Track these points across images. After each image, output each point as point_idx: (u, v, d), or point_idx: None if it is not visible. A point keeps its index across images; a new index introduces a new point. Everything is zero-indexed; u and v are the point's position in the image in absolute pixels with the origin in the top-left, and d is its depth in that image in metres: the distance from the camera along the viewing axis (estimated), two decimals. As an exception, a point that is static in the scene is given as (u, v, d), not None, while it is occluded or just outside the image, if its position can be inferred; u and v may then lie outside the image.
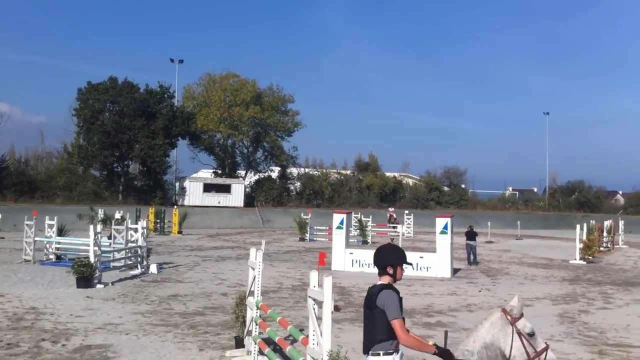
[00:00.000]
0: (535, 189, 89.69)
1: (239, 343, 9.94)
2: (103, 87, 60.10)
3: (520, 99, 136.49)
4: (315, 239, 38.42)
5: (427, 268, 21.47)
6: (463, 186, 78.34)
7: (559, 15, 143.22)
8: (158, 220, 41.79)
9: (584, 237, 28.21)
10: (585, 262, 27.21)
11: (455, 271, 22.08)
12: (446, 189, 75.58)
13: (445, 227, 21.63)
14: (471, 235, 25.63)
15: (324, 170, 71.70)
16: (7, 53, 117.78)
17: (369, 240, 37.10)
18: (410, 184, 76.15)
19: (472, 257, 25.44)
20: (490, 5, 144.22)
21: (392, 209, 47.95)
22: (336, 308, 13.12)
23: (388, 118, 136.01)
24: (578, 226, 28.43)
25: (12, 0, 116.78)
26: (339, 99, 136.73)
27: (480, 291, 18.01)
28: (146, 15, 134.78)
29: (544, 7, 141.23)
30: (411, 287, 18.33)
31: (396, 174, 76.40)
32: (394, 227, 37.54)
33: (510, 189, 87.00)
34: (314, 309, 6.85)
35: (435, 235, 22.71)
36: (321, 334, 6.45)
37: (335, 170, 74.19)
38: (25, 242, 23.04)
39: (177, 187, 63.80)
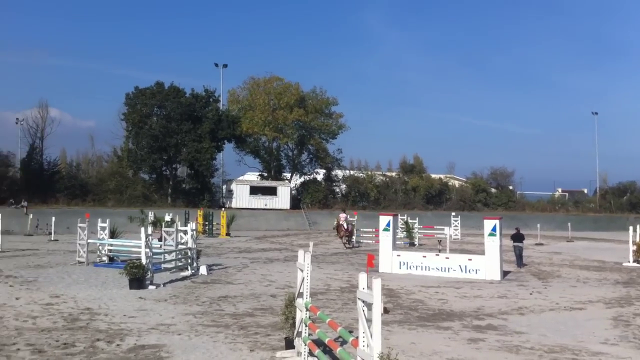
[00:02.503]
0: (585, 190, 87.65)
1: (289, 344, 10.03)
2: (150, 91, 61.24)
3: (568, 99, 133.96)
4: (362, 241, 38.35)
5: (476, 270, 21.26)
6: (511, 187, 77.11)
7: (605, 13, 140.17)
8: (206, 223, 42.39)
9: (637, 239, 27.51)
10: (639, 265, 26.54)
11: (505, 274, 21.80)
12: (493, 190, 74.50)
13: (494, 229, 21.36)
14: (518, 237, 25.28)
15: (369, 172, 71.46)
16: (56, 59, 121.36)
17: (416, 242, 36.90)
18: (457, 186, 75.34)
19: (519, 259, 25.09)
20: (534, 4, 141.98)
21: (344, 215, 35.77)
22: (385, 310, 13.09)
23: (432, 119, 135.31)
24: (631, 228, 27.71)
25: (62, 7, 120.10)
26: (382, 101, 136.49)
27: (531, 294, 17.74)
28: (191, 21, 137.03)
29: (590, 5, 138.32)
30: (460, 290, 18.19)
31: (442, 176, 75.72)
32: (347, 238, 33.84)
33: (560, 190, 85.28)
34: (363, 310, 6.90)
35: (483, 238, 22.47)
36: (371, 336, 6.50)
37: (381, 172, 73.99)
38: (79, 244, 23.61)
39: (224, 190, 64.42)
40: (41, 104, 63.95)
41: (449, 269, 21.74)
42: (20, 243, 33.56)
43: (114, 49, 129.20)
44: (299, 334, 9.50)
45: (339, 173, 70.77)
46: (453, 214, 47.46)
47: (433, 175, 74.01)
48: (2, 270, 21.13)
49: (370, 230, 38.14)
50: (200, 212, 44.29)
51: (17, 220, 43.05)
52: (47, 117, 63.01)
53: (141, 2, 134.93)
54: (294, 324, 9.86)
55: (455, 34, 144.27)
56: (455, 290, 18.19)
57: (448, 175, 77.89)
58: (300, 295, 9.54)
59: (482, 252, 22.18)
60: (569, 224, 48.61)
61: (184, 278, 19.73)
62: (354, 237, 35.33)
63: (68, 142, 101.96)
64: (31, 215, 43.41)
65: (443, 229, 36.78)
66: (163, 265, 20.57)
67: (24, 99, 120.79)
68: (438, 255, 22.95)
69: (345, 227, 32.72)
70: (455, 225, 44.96)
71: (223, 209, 50.68)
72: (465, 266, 21.48)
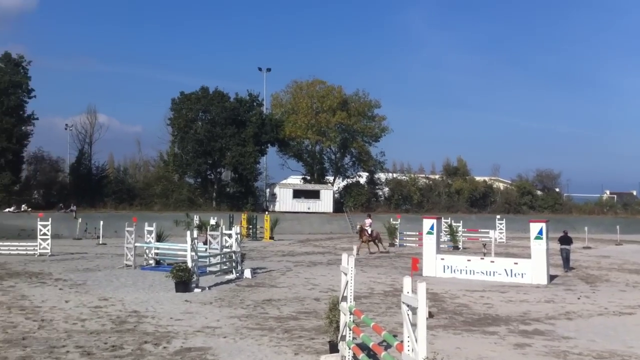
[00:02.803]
0: (635, 192, 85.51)
1: (333, 348, 10.04)
2: (195, 96, 62.10)
3: (615, 100, 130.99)
4: (405, 244, 38.18)
5: (522, 274, 20.95)
6: (557, 190, 75.74)
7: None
8: (250, 226, 42.72)
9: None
10: (692, 269, 25.78)
11: (551, 278, 21.43)
12: (539, 193, 73.27)
13: (540, 232, 21.00)
14: (565, 240, 24.82)
15: (412, 175, 71.12)
16: (105, 66, 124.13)
17: (460, 246, 36.55)
18: (501, 188, 74.40)
19: (566, 262, 24.64)
20: (581, 3, 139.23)
21: (369, 220, 33.46)
22: (429, 314, 13.04)
23: (476, 121, 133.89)
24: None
25: (110, 15, 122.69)
26: (425, 103, 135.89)
27: (579, 298, 17.40)
28: (235, 26, 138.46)
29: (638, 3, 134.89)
30: (506, 294, 17.95)
31: (486, 178, 74.84)
32: (374, 242, 32.57)
33: (608, 192, 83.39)
34: (408, 314, 6.88)
35: (528, 241, 22.13)
36: (416, 340, 6.47)
37: (424, 175, 73.56)
38: (126, 247, 24.06)
39: (268, 194, 64.94)
40: (90, 109, 65.68)
41: (494, 272, 21.47)
42: (70, 247, 34.40)
43: (161, 55, 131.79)
44: (343, 337, 9.52)
45: (382, 176, 70.56)
46: (498, 217, 46.82)
47: (477, 178, 73.19)
48: (52, 273, 21.71)
49: (414, 233, 37.96)
50: (244, 216, 44.68)
51: (66, 224, 44.12)
52: (95, 123, 64.65)
53: (186, 9, 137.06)
54: (338, 327, 9.88)
55: (502, 33, 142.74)
56: (501, 294, 17.96)
57: (492, 178, 76.97)
58: (344, 298, 9.55)
59: (528, 256, 21.84)
60: (618, 226, 47.44)
61: (229, 281, 19.94)
62: (386, 243, 35.13)
63: (115, 147, 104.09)
64: (80, 220, 44.45)
65: (488, 232, 36.32)
66: (208, 269, 20.81)
67: (73, 105, 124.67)
68: (483, 259, 22.70)
69: (369, 232, 32.19)
70: (500, 229, 44.34)
71: (266, 212, 51.03)
72: (511, 270, 21.19)
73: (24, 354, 10.20)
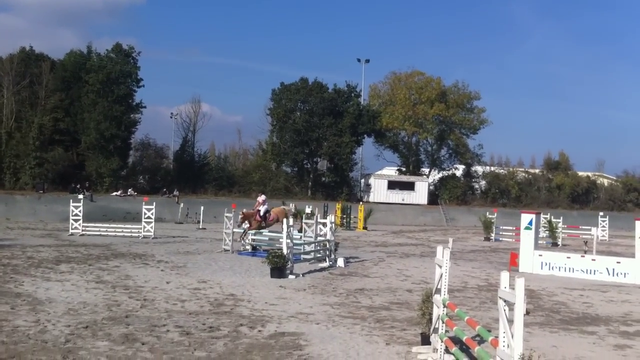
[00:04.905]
0: None
1: (425, 340, 10.03)
2: (294, 87, 62.92)
3: None
4: (501, 239, 37.35)
5: (625, 274, 20.08)
6: (667, 187, 71.71)
7: None
8: (344, 216, 43.02)
9: None
10: None
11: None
12: (646, 189, 69.69)
13: (646, 230, 20.07)
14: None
15: (511, 169, 69.41)
16: (208, 57, 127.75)
17: (559, 243, 35.38)
18: (605, 185, 71.27)
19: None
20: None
21: (263, 197, 26.45)
22: (525, 311, 12.75)
23: (580, 114, 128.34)
24: None
25: (212, 7, 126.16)
26: (526, 94, 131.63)
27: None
28: (334, 17, 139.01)
29: None
30: (607, 294, 17.28)
31: (589, 174, 71.92)
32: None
33: None
34: (504, 310, 6.80)
35: (633, 240, 21.16)
36: (512, 336, 6.39)
37: (523, 169, 71.66)
38: (225, 233, 24.79)
39: (362, 184, 65.11)
40: (194, 99, 67.72)
41: (594, 271, 20.68)
42: (172, 230, 35.83)
43: (262, 47, 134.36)
44: (436, 330, 9.48)
45: (479, 169, 69.20)
46: (601, 213, 44.86)
47: (580, 173, 70.48)
48: (154, 255, 22.69)
49: (510, 228, 37.09)
50: (338, 206, 45.00)
51: (169, 208, 46.02)
52: (199, 112, 66.50)
53: (285, 2, 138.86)
54: (430, 320, 9.85)
55: (612, 22, 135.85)
56: (601, 293, 17.30)
57: (596, 173, 73.91)
58: (438, 291, 9.51)
59: (632, 255, 20.92)
60: None
61: (322, 269, 20.20)
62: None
63: (217, 136, 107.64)
64: (182, 205, 46.11)
65: (589, 230, 34.97)
66: (302, 256, 21.16)
67: (178, 94, 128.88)
68: (583, 256, 21.89)
69: (262, 214, 24.76)
70: (603, 226, 42.57)
71: (361, 202, 51.14)
72: (613, 269, 20.34)
73: (126, 331, 10.70)
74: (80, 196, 34.12)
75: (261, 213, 24.69)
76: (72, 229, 30.50)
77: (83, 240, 27.69)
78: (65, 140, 54.90)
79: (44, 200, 46.38)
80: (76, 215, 30.62)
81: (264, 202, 25.44)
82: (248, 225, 24.62)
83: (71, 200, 31.54)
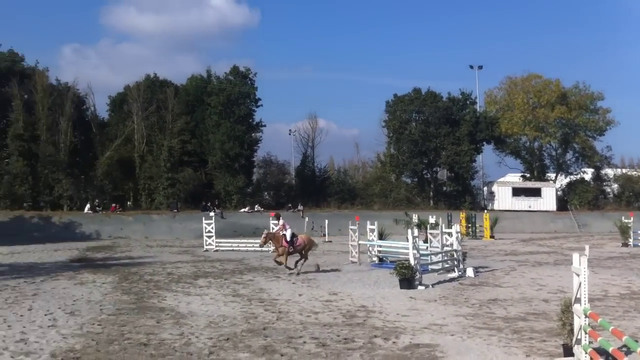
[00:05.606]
0: None
1: (568, 351, 9.71)
2: (408, 98, 63.06)
3: None
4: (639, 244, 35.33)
5: None
6: None
7: None
8: (469, 225, 42.37)
9: None
10: None
11: None
12: None
13: None
14: None
15: (645, 170, 65.67)
16: (321, 73, 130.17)
17: None
18: None
19: None
20: None
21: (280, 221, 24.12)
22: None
23: None
24: None
25: (320, 25, 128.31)
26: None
27: None
28: (443, 27, 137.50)
29: None
30: None
31: None
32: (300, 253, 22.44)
33: None
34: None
35: None
36: (666, 347, 6.13)
37: (658, 170, 67.53)
38: (351, 245, 25.14)
39: (485, 192, 63.88)
40: (310, 115, 69.25)
41: None
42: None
43: (372, 60, 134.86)
44: (578, 341, 9.17)
45: (609, 172, 66.04)
46: None
47: None
48: (285, 269, 23.21)
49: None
50: (462, 215, 44.39)
51: (294, 222, 46.67)
52: (316, 127, 67.85)
53: (393, 12, 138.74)
54: (571, 330, 9.53)
55: None
56: None
57: None
58: (578, 300, 9.20)
59: None
60: None
61: (452, 279, 19.95)
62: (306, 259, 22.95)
63: (335, 150, 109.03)
64: (307, 218, 47.03)
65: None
66: (430, 267, 21.02)
67: (295, 111, 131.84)
68: None
69: (289, 239, 22.05)
70: None
71: (485, 211, 50.11)
72: None
73: (265, 343, 11.00)
74: (212, 214, 35.71)
75: (287, 238, 21.89)
76: (206, 245, 31.95)
77: (217, 256, 28.93)
78: (194, 160, 57.76)
79: (178, 218, 48.95)
80: (209, 232, 32.07)
81: (284, 226, 22.60)
82: (273, 248, 23.04)
83: (203, 218, 33.08)
